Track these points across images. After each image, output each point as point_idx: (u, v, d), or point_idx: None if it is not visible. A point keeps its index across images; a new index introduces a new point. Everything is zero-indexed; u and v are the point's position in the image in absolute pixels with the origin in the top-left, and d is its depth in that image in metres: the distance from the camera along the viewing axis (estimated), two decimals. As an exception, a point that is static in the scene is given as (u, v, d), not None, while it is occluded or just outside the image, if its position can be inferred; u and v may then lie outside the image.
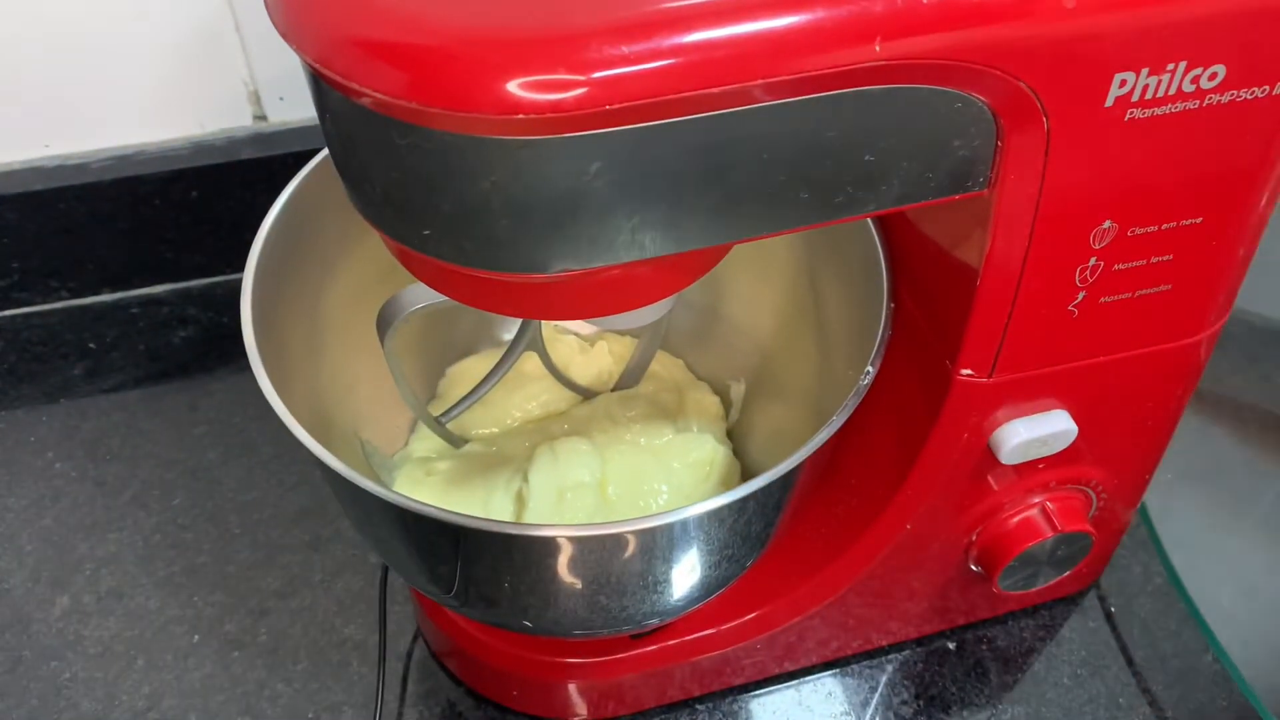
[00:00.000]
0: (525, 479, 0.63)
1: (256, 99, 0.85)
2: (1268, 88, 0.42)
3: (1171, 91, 0.40)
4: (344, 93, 0.36)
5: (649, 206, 0.38)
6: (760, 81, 0.35)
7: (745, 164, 0.38)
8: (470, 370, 0.72)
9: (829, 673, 0.69)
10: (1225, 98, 0.41)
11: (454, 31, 0.34)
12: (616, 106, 0.34)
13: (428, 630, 0.68)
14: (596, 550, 0.48)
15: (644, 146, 0.36)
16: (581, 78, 0.33)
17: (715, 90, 0.35)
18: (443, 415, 0.65)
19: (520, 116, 0.33)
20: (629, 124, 0.35)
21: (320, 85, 0.37)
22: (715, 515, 0.48)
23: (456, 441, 0.68)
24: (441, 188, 0.37)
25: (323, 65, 0.35)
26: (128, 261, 0.88)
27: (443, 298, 0.48)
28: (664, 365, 0.74)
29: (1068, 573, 0.63)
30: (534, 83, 0.33)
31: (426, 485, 0.65)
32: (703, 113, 0.36)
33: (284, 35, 0.36)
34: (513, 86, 0.33)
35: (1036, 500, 0.59)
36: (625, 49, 0.33)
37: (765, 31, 0.34)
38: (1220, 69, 0.40)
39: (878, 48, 0.35)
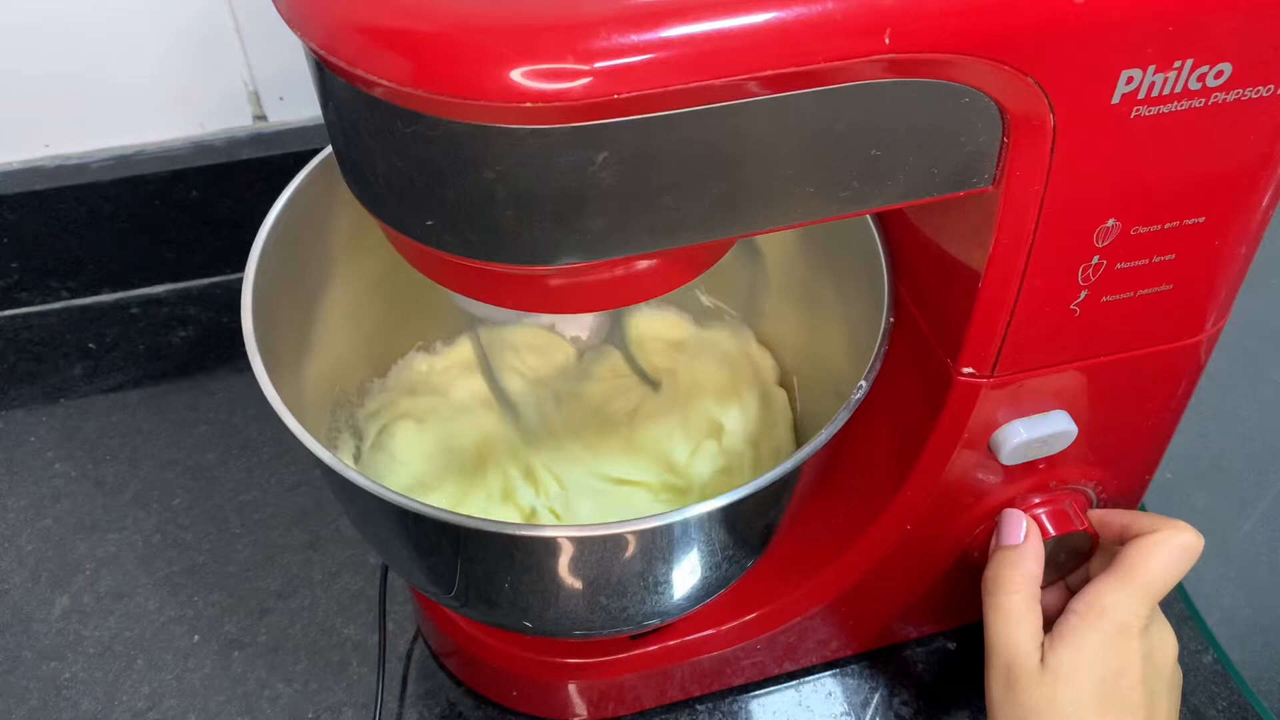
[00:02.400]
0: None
1: (256, 99, 0.85)
2: (1273, 86, 0.42)
3: (1178, 89, 0.40)
4: (348, 80, 0.36)
5: (654, 198, 0.38)
6: (769, 73, 0.35)
7: (752, 156, 0.38)
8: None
9: (829, 673, 0.69)
10: (1231, 96, 0.41)
11: (461, 19, 0.34)
12: (624, 96, 0.34)
13: (428, 630, 0.68)
14: (597, 551, 0.48)
15: (651, 137, 0.36)
16: (589, 67, 0.33)
17: (724, 81, 0.35)
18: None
19: (527, 105, 0.33)
20: (636, 114, 0.35)
21: (324, 73, 0.37)
22: (715, 516, 0.48)
23: (515, 412, 0.68)
24: (445, 177, 0.37)
25: (328, 52, 0.35)
26: (128, 261, 0.88)
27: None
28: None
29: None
30: (541, 71, 0.33)
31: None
32: (711, 104, 0.36)
33: (288, 22, 0.36)
34: (519, 75, 0.33)
35: (1037, 500, 0.59)
36: (634, 38, 0.33)
37: (775, 22, 0.34)
38: (1227, 67, 0.40)
39: (887, 40, 0.35)
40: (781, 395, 0.69)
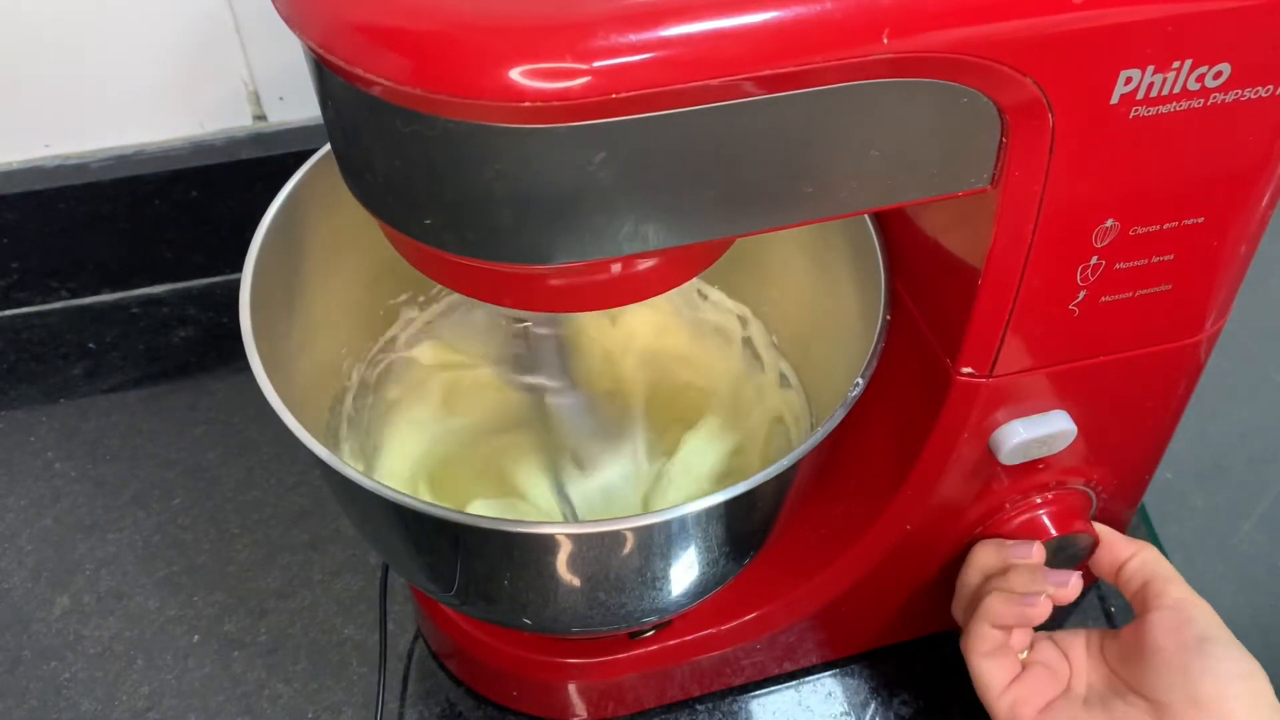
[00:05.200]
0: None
1: (256, 99, 0.85)
2: (1272, 87, 0.42)
3: (1176, 90, 0.40)
4: (347, 79, 0.36)
5: (653, 197, 0.38)
6: (768, 73, 0.35)
7: (751, 156, 0.38)
8: None
9: (829, 673, 0.69)
10: (1229, 97, 0.41)
11: (459, 18, 0.34)
12: (623, 96, 0.34)
13: (428, 630, 0.68)
14: (595, 547, 0.48)
15: (650, 137, 0.36)
16: (588, 66, 0.33)
17: (722, 81, 0.35)
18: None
19: (526, 104, 0.33)
20: (635, 114, 0.35)
21: (323, 71, 0.37)
22: (712, 513, 0.48)
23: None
24: (444, 176, 0.37)
25: (326, 51, 0.35)
26: (128, 261, 0.88)
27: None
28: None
29: (1068, 573, 0.63)
30: (540, 70, 0.33)
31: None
32: (709, 103, 0.36)
33: (287, 20, 0.36)
34: (518, 74, 0.33)
35: (1037, 500, 0.59)
36: (633, 37, 0.33)
37: (773, 22, 0.34)
38: (1225, 67, 0.40)
39: (885, 40, 0.35)
40: (782, 392, 0.69)
